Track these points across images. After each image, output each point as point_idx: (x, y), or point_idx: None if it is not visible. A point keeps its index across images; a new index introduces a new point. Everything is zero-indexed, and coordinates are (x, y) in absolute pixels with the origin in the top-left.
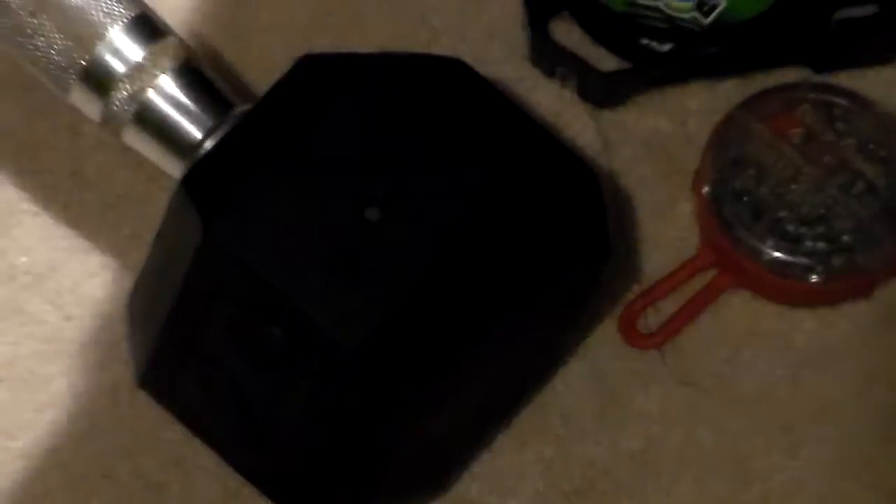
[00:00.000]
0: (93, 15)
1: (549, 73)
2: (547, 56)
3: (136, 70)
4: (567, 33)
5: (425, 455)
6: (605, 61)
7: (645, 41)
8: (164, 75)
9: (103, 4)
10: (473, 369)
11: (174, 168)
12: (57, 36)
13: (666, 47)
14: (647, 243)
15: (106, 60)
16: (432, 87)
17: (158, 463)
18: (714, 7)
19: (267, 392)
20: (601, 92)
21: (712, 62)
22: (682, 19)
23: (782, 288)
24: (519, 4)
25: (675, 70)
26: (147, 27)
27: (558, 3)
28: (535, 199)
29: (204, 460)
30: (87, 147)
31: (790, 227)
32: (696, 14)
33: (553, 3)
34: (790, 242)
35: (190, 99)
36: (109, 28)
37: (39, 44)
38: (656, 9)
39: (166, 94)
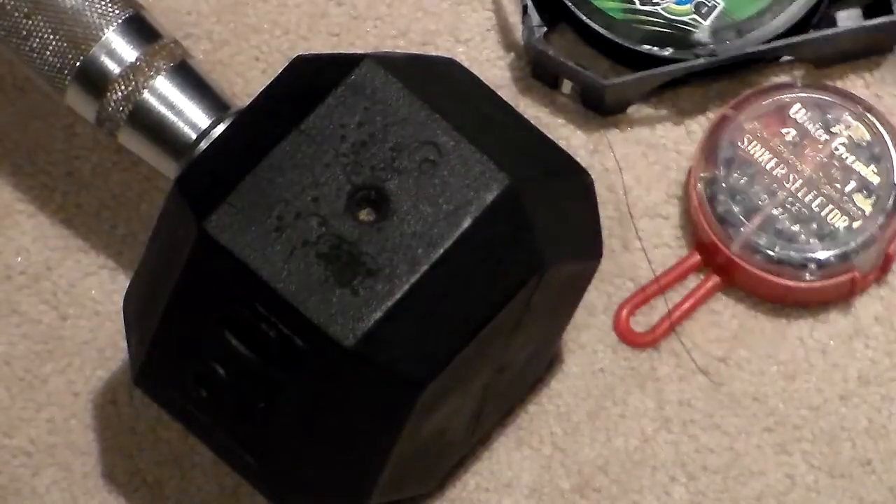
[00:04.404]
0: (87, 16)
1: (551, 84)
2: (548, 68)
3: (131, 71)
4: (566, 43)
5: (423, 453)
6: (606, 69)
7: (646, 47)
8: (158, 76)
9: (98, 6)
10: (470, 367)
11: (169, 168)
12: (52, 37)
13: (666, 52)
14: (641, 242)
15: (101, 61)
16: (427, 87)
17: (155, 461)
18: (713, 8)
19: (264, 391)
20: (604, 102)
21: (713, 64)
22: (682, 22)
23: (775, 286)
24: (514, 4)
25: (678, 75)
26: (142, 28)
27: (557, 15)
28: (528, 198)
29: (201, 459)
30: (83, 148)
31: (783, 226)
32: (695, 16)
33: (552, 14)
34: (783, 241)
35: (184, 100)
36: (104, 29)
37: (34, 45)
38: (655, 13)
39: (161, 94)
